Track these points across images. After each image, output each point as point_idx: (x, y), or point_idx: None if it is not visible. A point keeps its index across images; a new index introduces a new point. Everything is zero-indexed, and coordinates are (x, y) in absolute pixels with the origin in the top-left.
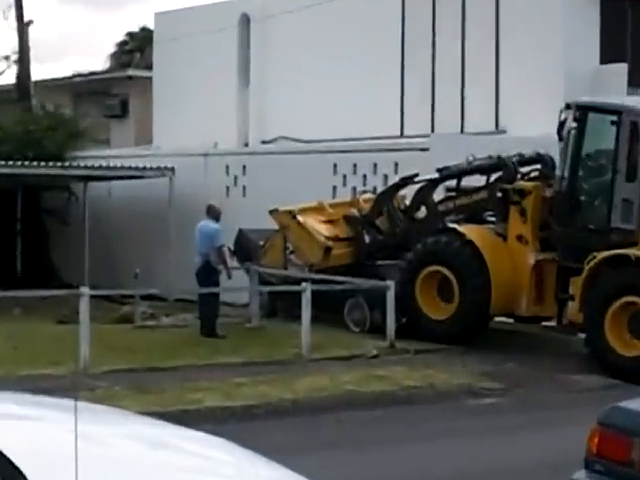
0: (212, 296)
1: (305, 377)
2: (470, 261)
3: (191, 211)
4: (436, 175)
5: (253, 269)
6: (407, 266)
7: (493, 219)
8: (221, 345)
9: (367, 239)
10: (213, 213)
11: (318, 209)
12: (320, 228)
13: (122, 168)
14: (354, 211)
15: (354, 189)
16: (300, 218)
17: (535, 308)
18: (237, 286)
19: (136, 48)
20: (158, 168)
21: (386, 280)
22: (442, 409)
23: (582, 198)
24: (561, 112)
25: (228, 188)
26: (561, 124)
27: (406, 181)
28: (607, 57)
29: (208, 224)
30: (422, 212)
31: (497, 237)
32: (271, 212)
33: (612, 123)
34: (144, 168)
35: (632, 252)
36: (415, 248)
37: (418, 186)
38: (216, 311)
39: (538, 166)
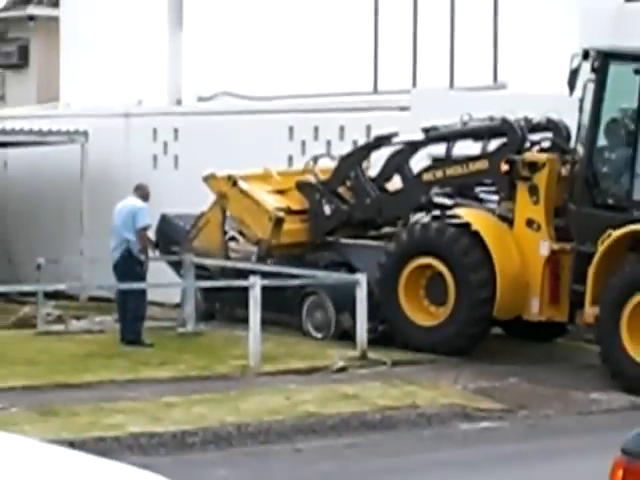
0: (136, 294)
1: (253, 396)
2: (470, 251)
3: (109, 186)
4: (420, 136)
5: (187, 260)
6: (387, 260)
7: (490, 197)
8: (147, 356)
9: (327, 210)
10: (141, 192)
11: (264, 177)
12: (268, 198)
13: (21, 132)
14: (309, 177)
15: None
16: (242, 184)
17: (550, 310)
18: (167, 281)
19: None
20: (67, 132)
21: (354, 265)
22: (427, 436)
23: (602, 168)
24: (573, 58)
25: (155, 158)
26: (573, 73)
27: (381, 141)
28: None
29: (133, 202)
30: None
31: (500, 221)
32: (206, 179)
33: (636, 72)
34: (49, 132)
35: None
36: (398, 237)
37: (392, 150)
38: (141, 313)
39: (549, 135)
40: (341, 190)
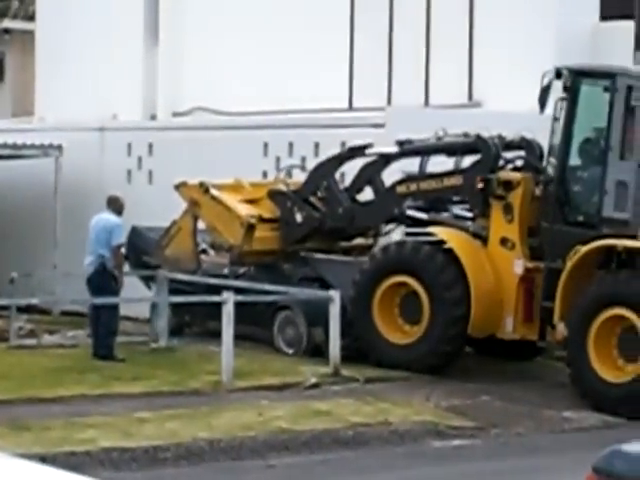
0: (109, 308)
1: (226, 412)
2: (445, 269)
3: (83, 201)
4: (394, 149)
5: (160, 275)
6: (362, 278)
7: (463, 213)
8: (120, 371)
9: (299, 218)
10: (115, 206)
11: (235, 187)
12: (239, 207)
13: None
14: (281, 186)
15: (288, 171)
16: (214, 192)
17: (523, 329)
18: (139, 295)
19: None
20: (41, 146)
21: (328, 281)
22: (400, 453)
23: (573, 185)
24: (544, 75)
25: (130, 172)
26: (544, 90)
27: (355, 152)
28: (609, 12)
29: (108, 217)
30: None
31: (474, 239)
32: (177, 186)
33: (605, 89)
34: (23, 145)
35: (621, 243)
36: (372, 255)
37: (364, 161)
38: (114, 327)
39: (522, 153)
40: (312, 199)
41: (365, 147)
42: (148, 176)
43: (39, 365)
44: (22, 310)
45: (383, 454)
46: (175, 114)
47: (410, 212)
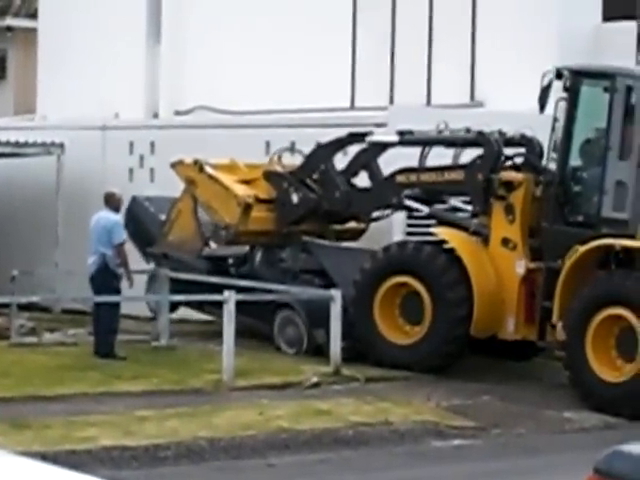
0: (110, 307)
1: (226, 410)
2: (447, 269)
3: (84, 199)
4: (394, 138)
5: (161, 273)
6: (363, 278)
7: (460, 205)
8: (120, 369)
9: (295, 199)
10: (113, 203)
11: (230, 168)
12: (236, 187)
13: None
14: (277, 167)
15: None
16: (210, 170)
17: (525, 330)
18: (141, 293)
19: None
20: (43, 144)
21: (329, 273)
22: (400, 453)
23: (573, 186)
24: (544, 75)
25: (132, 171)
26: (544, 90)
27: (355, 138)
28: (611, 12)
29: (107, 216)
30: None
31: (476, 238)
32: (173, 165)
33: (605, 90)
34: (25, 144)
35: (619, 243)
36: (374, 256)
37: (360, 147)
38: (115, 326)
39: (522, 150)
40: (309, 181)
41: (365, 134)
42: (150, 174)
43: (40, 363)
44: (23, 308)
45: (383, 454)
46: (177, 113)
47: (408, 202)
